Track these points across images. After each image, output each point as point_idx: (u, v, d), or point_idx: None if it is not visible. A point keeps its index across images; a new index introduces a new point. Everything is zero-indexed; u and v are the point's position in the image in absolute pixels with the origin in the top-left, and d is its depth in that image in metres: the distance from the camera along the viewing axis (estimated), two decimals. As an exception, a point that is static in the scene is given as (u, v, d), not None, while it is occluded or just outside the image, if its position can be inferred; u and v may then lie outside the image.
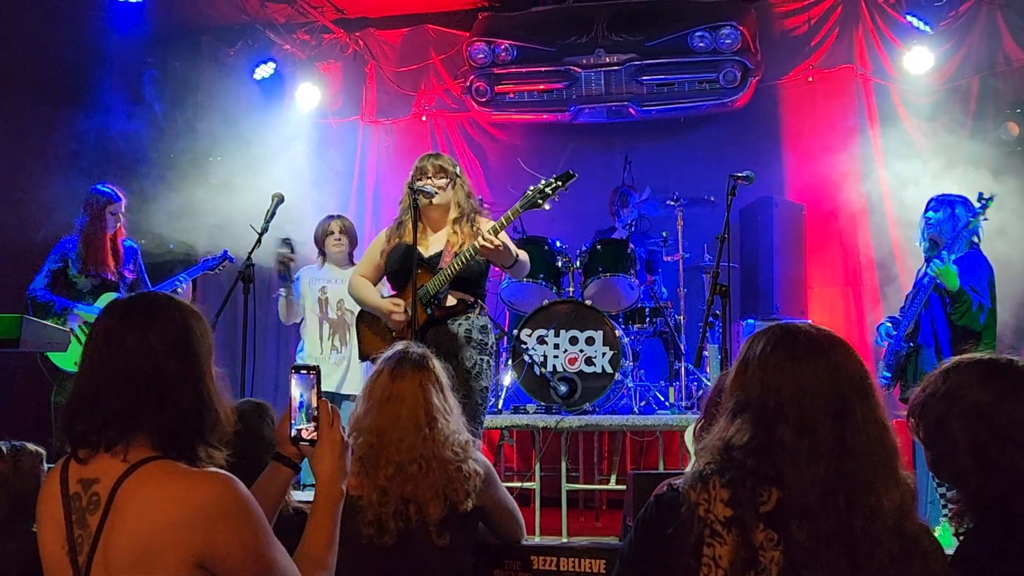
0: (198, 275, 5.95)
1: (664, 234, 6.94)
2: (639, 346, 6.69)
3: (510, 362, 6.16)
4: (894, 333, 5.30)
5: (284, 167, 7.32)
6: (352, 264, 5.88)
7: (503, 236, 4.15)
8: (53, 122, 6.75)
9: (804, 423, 1.80)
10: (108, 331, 1.86)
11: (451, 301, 4.26)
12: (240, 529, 1.77)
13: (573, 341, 6.11)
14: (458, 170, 4.45)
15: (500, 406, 6.18)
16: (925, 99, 7.24)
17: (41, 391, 5.62)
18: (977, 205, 5.01)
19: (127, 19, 7.04)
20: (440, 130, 8.36)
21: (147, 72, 7.46)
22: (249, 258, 4.99)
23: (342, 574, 2.02)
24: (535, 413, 6.02)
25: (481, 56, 7.72)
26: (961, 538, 2.00)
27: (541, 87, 7.74)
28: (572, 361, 6.09)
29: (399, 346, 2.98)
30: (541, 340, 6.13)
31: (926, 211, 5.29)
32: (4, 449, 2.78)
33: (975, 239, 5.11)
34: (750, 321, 6.94)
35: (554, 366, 6.09)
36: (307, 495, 3.22)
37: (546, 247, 6.55)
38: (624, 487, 5.03)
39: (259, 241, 5.01)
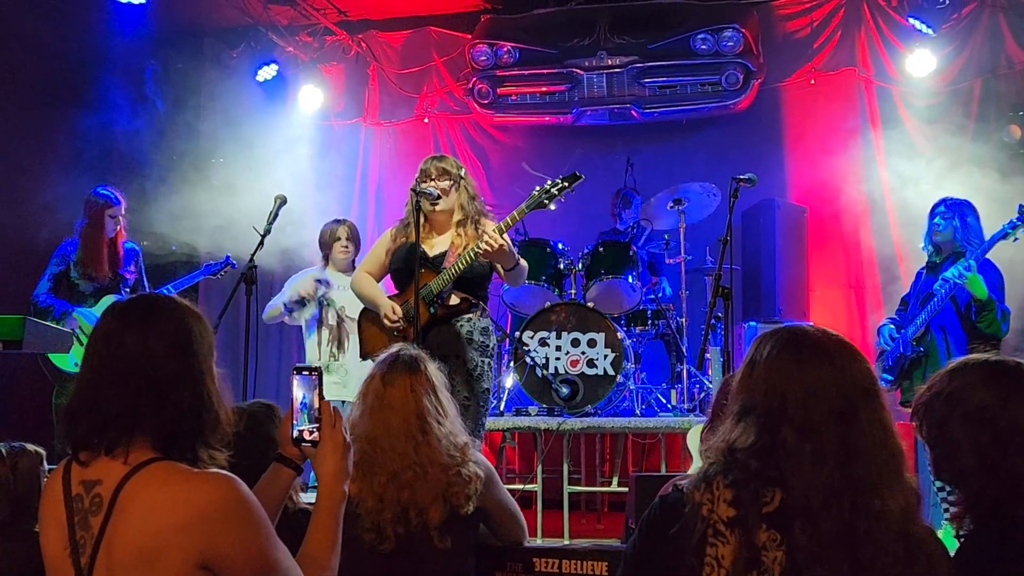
0: (199, 279, 5.95)
1: (666, 236, 6.94)
2: (641, 348, 6.69)
3: (512, 364, 6.15)
4: (896, 336, 5.30)
5: (286, 169, 7.32)
6: (354, 267, 5.87)
7: (504, 237, 4.15)
8: (55, 123, 6.76)
9: (808, 426, 1.80)
10: (108, 332, 1.86)
11: (454, 300, 4.25)
12: (243, 530, 1.77)
13: (575, 343, 6.11)
14: (463, 172, 4.44)
15: (502, 408, 6.18)
16: (927, 101, 7.24)
17: (42, 392, 5.63)
18: (1016, 216, 4.99)
19: (130, 20, 7.04)
20: (442, 132, 8.36)
21: (150, 73, 7.47)
22: (252, 260, 4.99)
23: (345, 576, 2.02)
24: (537, 415, 6.02)
25: (483, 58, 7.72)
26: (961, 540, 2.00)
27: (543, 89, 7.75)
28: (574, 363, 6.09)
29: (395, 348, 2.97)
30: (543, 342, 6.13)
31: (933, 216, 5.28)
32: (3, 451, 2.78)
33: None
34: (752, 323, 6.93)
35: (556, 368, 6.08)
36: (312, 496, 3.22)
37: (548, 249, 6.55)
38: (626, 489, 5.03)
39: (261, 243, 5.01)
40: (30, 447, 2.85)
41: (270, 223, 5.05)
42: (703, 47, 7.36)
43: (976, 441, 1.97)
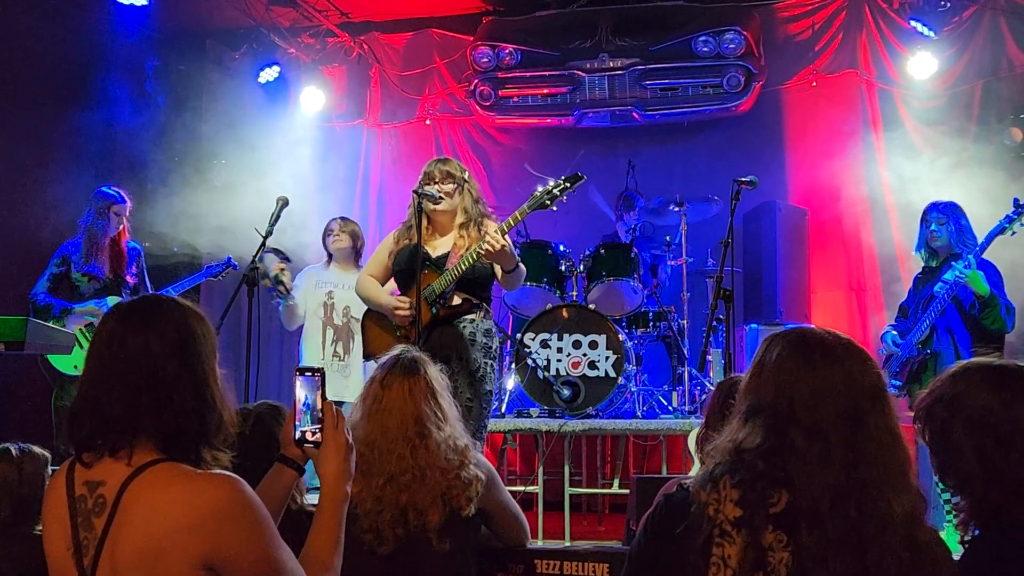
0: (201, 281, 5.95)
1: (668, 238, 6.95)
2: (642, 350, 6.69)
3: (513, 366, 6.15)
4: (901, 341, 5.30)
5: (288, 170, 7.33)
6: (356, 264, 5.89)
7: (505, 239, 4.15)
8: (57, 124, 6.77)
9: (816, 428, 1.80)
10: (110, 333, 1.87)
11: (456, 301, 4.26)
12: (246, 531, 1.77)
13: (576, 345, 6.11)
14: (466, 175, 4.45)
15: (503, 410, 6.19)
16: (928, 104, 7.24)
17: (42, 394, 5.64)
18: (1012, 210, 5.01)
19: (132, 22, 7.05)
20: (444, 134, 8.36)
21: (151, 75, 7.47)
22: (253, 261, 4.99)
23: (345, 577, 2.03)
24: (538, 417, 6.02)
25: (485, 60, 7.72)
26: (966, 545, 2.00)
27: (545, 91, 7.74)
28: (575, 365, 6.09)
29: (396, 351, 2.97)
30: (544, 344, 6.14)
31: (928, 222, 5.31)
32: (13, 451, 2.78)
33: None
34: (753, 326, 6.94)
35: (557, 370, 6.08)
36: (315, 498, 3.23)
37: (549, 251, 6.55)
38: (627, 491, 5.03)
39: (263, 244, 5.01)
40: (36, 449, 2.85)
41: (272, 224, 5.05)
42: (705, 49, 7.36)
43: (979, 446, 1.97)
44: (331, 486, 2.00)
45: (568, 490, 5.76)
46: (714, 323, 5.24)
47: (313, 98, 8.04)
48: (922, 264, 5.50)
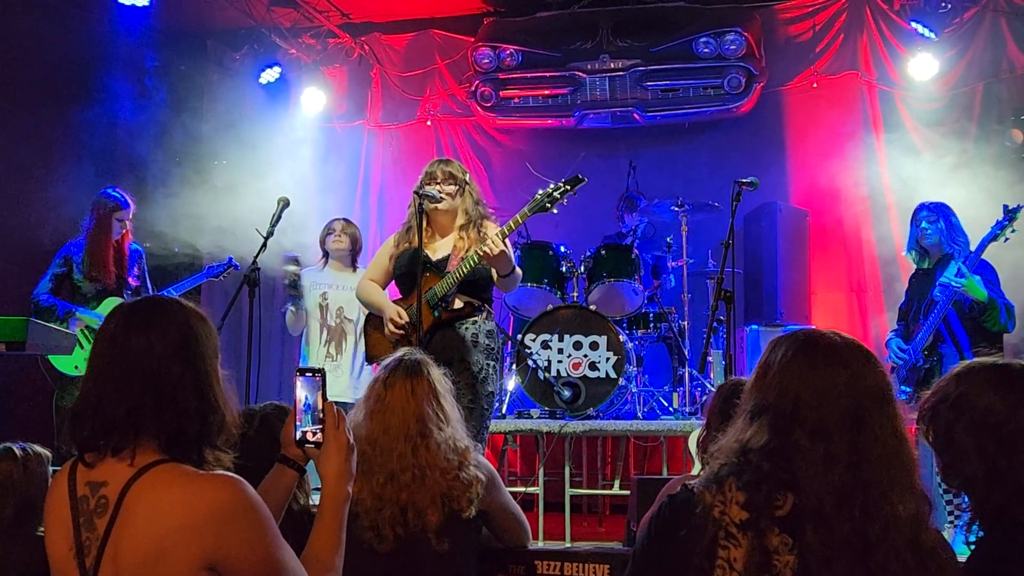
0: (202, 281, 5.95)
1: (669, 240, 6.95)
2: (643, 351, 6.70)
3: (514, 367, 6.16)
4: (906, 347, 5.29)
5: (289, 171, 7.33)
6: (353, 267, 5.88)
7: (504, 242, 4.15)
8: (58, 124, 6.77)
9: (820, 429, 1.80)
10: (113, 334, 1.87)
11: (458, 304, 4.26)
12: (249, 531, 1.77)
13: (577, 346, 6.11)
14: (467, 177, 4.46)
15: (504, 411, 6.19)
16: (929, 105, 7.25)
17: (43, 394, 5.63)
18: (1003, 216, 5.01)
19: (133, 22, 7.05)
20: (445, 135, 8.37)
21: (152, 75, 7.48)
22: (254, 262, 4.99)
23: (346, 576, 2.03)
24: (539, 418, 6.02)
25: (486, 61, 7.73)
26: (972, 547, 2.00)
27: (546, 92, 7.75)
28: (576, 366, 6.09)
29: (399, 352, 2.98)
30: (545, 345, 6.14)
31: (918, 222, 5.32)
32: (16, 451, 2.78)
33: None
34: (754, 327, 6.94)
35: (558, 371, 6.09)
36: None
37: (551, 252, 6.56)
38: (628, 492, 5.03)
39: (264, 245, 5.01)
40: (39, 448, 2.85)
41: (273, 225, 5.04)
42: (705, 51, 7.36)
43: (982, 446, 1.96)
44: (332, 486, 2.00)
45: (569, 491, 5.76)
46: (715, 324, 5.24)
47: (314, 99, 8.04)
48: (915, 266, 5.51)
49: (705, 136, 7.98)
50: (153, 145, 7.24)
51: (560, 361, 6.12)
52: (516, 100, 7.84)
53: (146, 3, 6.72)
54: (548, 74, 7.70)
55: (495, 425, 5.74)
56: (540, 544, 4.93)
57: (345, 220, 5.97)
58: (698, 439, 3.12)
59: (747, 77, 7.37)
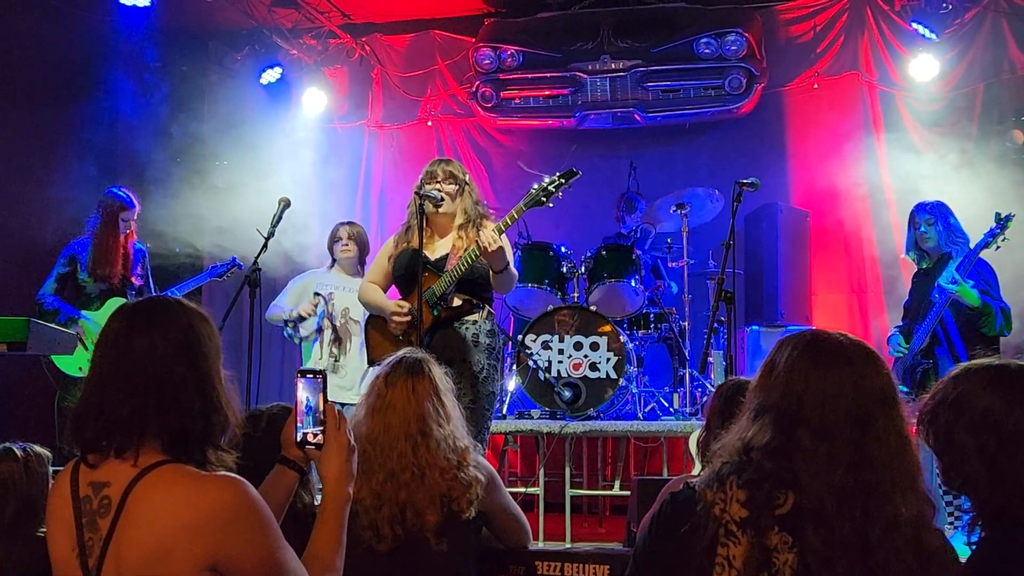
0: (206, 281, 5.95)
1: (669, 240, 6.95)
2: (644, 352, 6.70)
3: (514, 367, 6.16)
4: (906, 346, 5.29)
5: (290, 171, 7.34)
6: (361, 271, 5.89)
7: (503, 239, 4.15)
8: (59, 125, 6.77)
9: (823, 429, 1.80)
10: (116, 335, 1.87)
11: (456, 303, 4.26)
12: (251, 532, 1.78)
13: (578, 346, 6.12)
14: (467, 177, 4.47)
15: (504, 411, 6.19)
16: (930, 106, 7.24)
17: (44, 394, 5.63)
18: (994, 224, 5.01)
19: (134, 22, 7.05)
20: (446, 135, 8.37)
21: (153, 76, 7.48)
22: (255, 263, 4.99)
23: (345, 576, 2.03)
24: (539, 418, 6.03)
25: (487, 62, 7.73)
26: (973, 548, 2.00)
27: (547, 93, 7.75)
28: (576, 366, 6.09)
29: (401, 351, 2.98)
30: (546, 345, 6.15)
31: (917, 224, 5.32)
32: (17, 451, 2.78)
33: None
34: (755, 327, 6.94)
35: (559, 371, 6.09)
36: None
37: (551, 252, 6.56)
38: (628, 493, 5.03)
39: (265, 246, 5.01)
40: (40, 449, 2.85)
41: (274, 226, 5.04)
42: (706, 51, 7.36)
43: (982, 447, 1.96)
44: (333, 487, 2.01)
45: (569, 492, 5.77)
46: (715, 325, 5.24)
47: (315, 99, 8.04)
48: (915, 265, 5.51)
49: (706, 137, 7.98)
50: (154, 145, 7.23)
51: (560, 361, 6.12)
52: (517, 101, 7.83)
53: (147, 3, 6.73)
54: (549, 75, 7.70)
55: (495, 426, 5.75)
56: (540, 545, 4.94)
57: (350, 224, 5.96)
58: (698, 440, 3.13)
59: (748, 78, 7.36)
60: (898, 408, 1.85)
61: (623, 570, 2.88)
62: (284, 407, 2.86)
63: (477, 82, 7.81)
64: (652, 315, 6.75)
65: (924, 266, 5.39)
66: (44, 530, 2.62)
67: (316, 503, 2.69)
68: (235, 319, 5.86)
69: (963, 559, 1.94)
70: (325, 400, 2.04)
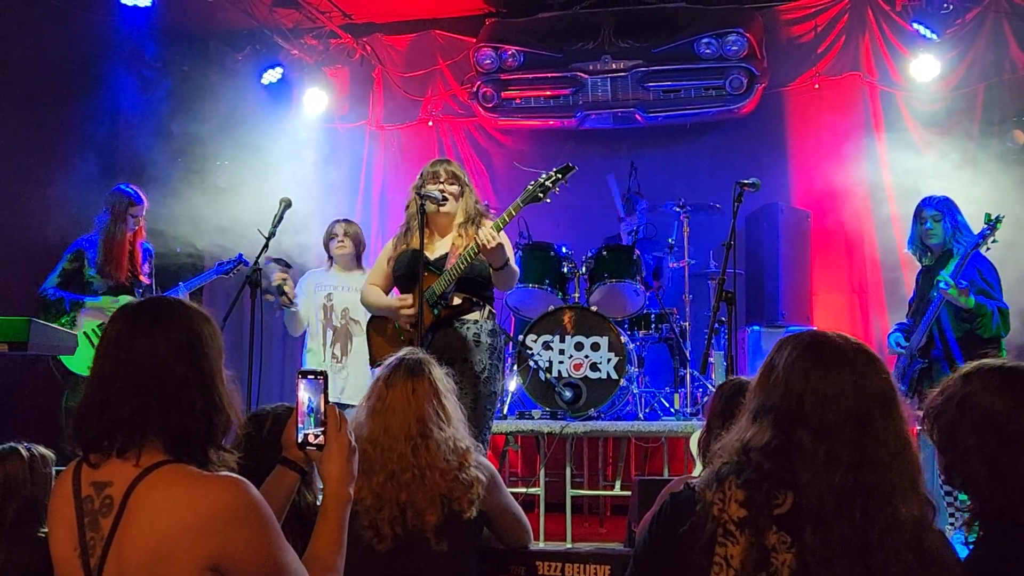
0: (212, 278, 5.94)
1: (670, 240, 6.95)
2: (644, 352, 6.70)
3: (515, 367, 6.16)
4: (905, 344, 5.29)
5: (291, 172, 7.34)
6: (358, 267, 5.89)
7: (502, 236, 4.15)
8: (59, 125, 6.77)
9: (823, 430, 1.80)
10: (118, 335, 1.87)
11: (457, 301, 4.26)
12: (252, 533, 1.78)
13: (579, 347, 6.12)
14: (466, 178, 4.48)
15: (505, 412, 6.20)
16: (931, 106, 7.24)
17: (44, 394, 5.63)
18: (984, 225, 5.00)
19: (135, 22, 7.05)
20: (447, 135, 8.37)
21: (154, 76, 7.48)
22: (256, 262, 5.00)
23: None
24: (540, 419, 6.03)
25: (488, 62, 7.73)
26: (971, 547, 2.00)
27: (548, 93, 7.75)
28: (577, 367, 6.09)
29: (401, 352, 2.98)
30: (547, 346, 6.15)
31: (924, 219, 5.27)
32: (22, 451, 2.79)
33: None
34: (755, 328, 6.94)
35: (559, 372, 6.09)
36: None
37: (552, 253, 6.57)
38: (629, 493, 5.04)
39: (266, 246, 5.01)
40: (43, 449, 2.86)
41: (275, 226, 5.05)
42: (707, 51, 7.35)
43: (985, 447, 1.97)
44: (334, 488, 2.02)
45: (570, 492, 5.77)
46: (716, 325, 5.24)
47: (316, 99, 8.04)
48: (917, 261, 5.49)
49: (707, 137, 7.98)
50: (154, 145, 7.23)
51: (561, 362, 6.12)
52: (518, 101, 7.83)
53: (148, 3, 6.72)
54: (550, 75, 7.70)
55: (496, 426, 5.74)
56: (541, 545, 4.94)
57: (346, 221, 5.97)
58: (699, 440, 3.13)
59: (749, 78, 7.36)
60: (898, 409, 1.85)
61: (624, 570, 2.88)
62: (288, 407, 2.86)
63: (478, 82, 7.81)
64: (653, 315, 6.75)
65: (926, 263, 5.38)
66: (46, 530, 2.63)
67: (318, 503, 2.70)
68: (236, 319, 5.85)
69: (962, 558, 1.95)
70: (326, 401, 2.04)
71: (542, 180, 4.16)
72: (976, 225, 5.20)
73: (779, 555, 1.76)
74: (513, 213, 4.17)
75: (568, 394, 5.97)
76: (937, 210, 5.23)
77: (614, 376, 6.04)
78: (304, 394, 2.04)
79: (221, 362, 1.92)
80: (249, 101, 7.80)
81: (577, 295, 6.58)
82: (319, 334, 5.85)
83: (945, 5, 6.95)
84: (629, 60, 7.50)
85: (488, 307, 4.38)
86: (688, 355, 6.55)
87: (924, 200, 5.34)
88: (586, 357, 6.10)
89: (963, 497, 2.08)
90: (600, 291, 6.47)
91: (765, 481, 1.80)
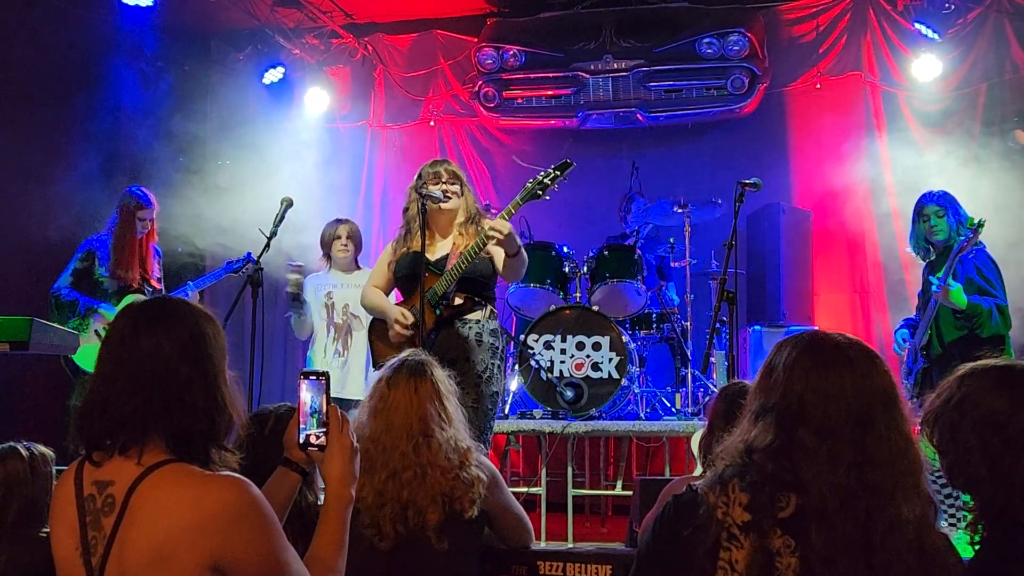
0: (222, 277, 5.93)
1: (671, 240, 6.95)
2: (646, 352, 6.70)
3: (517, 367, 6.16)
4: (910, 340, 5.27)
5: (292, 171, 7.34)
6: (356, 268, 5.90)
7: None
8: (60, 125, 6.77)
9: (825, 430, 1.80)
10: (122, 335, 1.88)
11: (458, 301, 4.26)
12: (254, 532, 1.78)
13: (580, 346, 6.12)
14: (465, 177, 4.49)
15: (507, 411, 6.20)
16: (933, 106, 7.24)
17: (46, 394, 5.63)
18: (967, 229, 4.97)
19: (136, 22, 7.06)
20: (448, 135, 8.38)
21: (156, 75, 7.48)
22: (258, 262, 5.00)
23: (347, 575, 2.03)
24: (541, 418, 6.03)
25: (489, 61, 7.73)
26: (977, 547, 2.00)
27: (549, 92, 7.75)
28: (579, 366, 6.09)
29: (403, 353, 2.99)
30: (548, 345, 6.15)
31: (927, 216, 5.22)
32: (23, 451, 2.79)
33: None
34: (757, 328, 6.94)
35: (561, 371, 6.09)
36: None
37: (553, 252, 6.57)
38: (630, 493, 5.04)
39: (268, 245, 5.01)
40: (43, 448, 2.86)
41: (276, 225, 5.04)
42: (709, 51, 7.35)
43: (986, 447, 1.96)
44: (336, 489, 2.02)
45: (571, 491, 5.77)
46: (717, 325, 5.24)
47: (317, 99, 8.05)
48: (919, 260, 5.46)
49: (708, 137, 7.98)
50: (156, 144, 7.23)
51: (563, 361, 6.12)
52: (519, 100, 7.84)
53: (149, 3, 6.73)
54: (551, 74, 7.70)
55: (498, 425, 5.74)
56: (542, 544, 4.94)
57: (348, 222, 5.97)
58: (700, 441, 3.13)
59: (750, 78, 7.36)
60: (900, 408, 1.85)
61: (625, 570, 2.89)
62: (291, 407, 2.86)
63: (480, 82, 7.82)
64: (654, 315, 6.75)
65: (931, 260, 5.34)
66: (47, 530, 2.63)
67: (319, 503, 2.70)
68: (237, 318, 5.86)
69: (966, 559, 1.94)
70: (328, 402, 2.04)
71: (541, 178, 4.16)
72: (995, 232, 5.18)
73: (783, 559, 1.76)
74: (512, 211, 4.17)
75: (569, 394, 5.97)
76: (939, 205, 5.17)
77: (615, 376, 6.04)
78: (306, 394, 2.04)
79: (224, 362, 1.92)
80: (250, 101, 7.80)
81: (578, 295, 6.58)
82: (322, 332, 5.86)
83: (946, 5, 6.95)
84: (630, 60, 7.50)
85: (489, 306, 4.38)
86: (689, 355, 6.55)
87: (924, 196, 5.28)
88: (587, 357, 6.10)
89: (966, 498, 2.08)
90: (601, 291, 6.47)
91: (768, 484, 1.80)
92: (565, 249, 6.65)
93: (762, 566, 1.76)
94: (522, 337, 6.20)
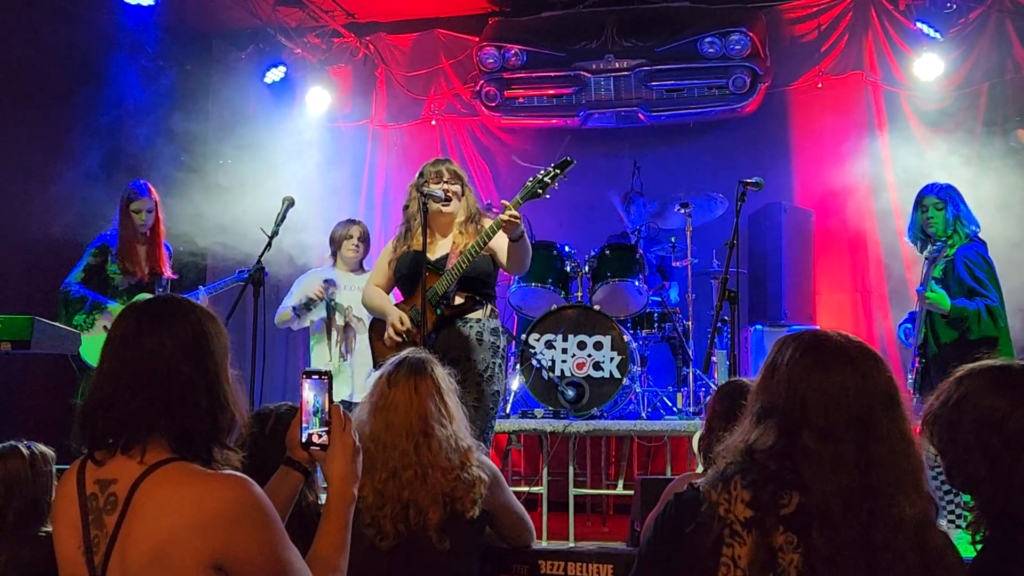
0: (231, 284, 5.89)
1: (672, 239, 6.95)
2: (647, 351, 6.70)
3: (518, 366, 6.16)
4: (912, 334, 5.25)
5: (293, 171, 7.34)
6: (363, 271, 5.90)
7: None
8: (61, 124, 6.77)
9: (828, 431, 1.80)
10: (125, 334, 1.88)
11: (459, 300, 4.26)
12: (257, 531, 1.78)
13: (581, 346, 6.12)
14: (466, 177, 4.49)
15: (508, 410, 6.20)
16: (934, 106, 7.23)
17: (47, 393, 5.63)
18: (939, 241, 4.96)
19: (138, 21, 7.06)
20: (450, 134, 8.38)
21: (157, 74, 7.49)
22: (259, 262, 4.99)
23: (348, 574, 2.03)
24: (543, 418, 6.02)
25: (491, 61, 7.73)
26: (978, 547, 2.00)
27: (551, 92, 7.75)
28: (580, 366, 6.09)
29: (404, 352, 2.99)
30: (549, 345, 6.14)
31: (926, 208, 5.17)
32: (23, 449, 2.79)
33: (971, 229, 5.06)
34: (758, 327, 6.93)
35: (562, 371, 6.09)
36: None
37: (555, 252, 6.56)
38: (631, 492, 5.03)
39: (269, 245, 5.01)
40: (44, 447, 2.86)
41: (278, 224, 5.04)
42: (710, 50, 7.35)
43: (986, 447, 1.96)
44: (338, 488, 2.02)
45: (572, 491, 5.77)
46: (719, 324, 5.23)
47: (319, 98, 8.05)
48: (918, 251, 5.43)
49: (710, 136, 7.97)
50: (157, 144, 7.24)
51: (564, 361, 6.12)
52: (521, 100, 7.84)
53: (151, 2, 6.73)
54: (553, 74, 7.70)
55: (499, 425, 5.74)
56: (544, 544, 4.94)
57: (359, 223, 5.96)
58: (699, 440, 3.13)
59: (752, 77, 7.36)
60: (902, 408, 1.85)
61: (627, 570, 2.89)
62: (292, 407, 2.86)
63: (481, 81, 7.81)
64: (656, 314, 6.75)
65: (926, 253, 5.32)
66: (47, 529, 2.64)
67: (321, 502, 2.70)
68: (238, 318, 5.85)
69: (968, 559, 1.94)
70: (331, 401, 2.04)
71: (541, 176, 4.15)
72: (980, 216, 5.16)
73: (786, 555, 1.76)
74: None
75: (571, 393, 5.97)
76: (939, 198, 5.11)
77: (617, 375, 6.04)
78: (308, 394, 2.04)
79: (227, 361, 1.92)
80: (252, 100, 7.80)
81: (580, 294, 6.58)
82: (324, 333, 5.85)
83: (948, 4, 6.94)
84: (632, 59, 7.50)
85: (490, 306, 4.38)
86: (691, 354, 6.55)
87: (926, 187, 5.23)
88: (589, 356, 6.09)
89: (966, 498, 2.08)
90: (603, 290, 6.47)
91: (771, 482, 1.80)
92: (566, 248, 6.64)
93: (764, 562, 1.76)
94: (523, 336, 6.20)
